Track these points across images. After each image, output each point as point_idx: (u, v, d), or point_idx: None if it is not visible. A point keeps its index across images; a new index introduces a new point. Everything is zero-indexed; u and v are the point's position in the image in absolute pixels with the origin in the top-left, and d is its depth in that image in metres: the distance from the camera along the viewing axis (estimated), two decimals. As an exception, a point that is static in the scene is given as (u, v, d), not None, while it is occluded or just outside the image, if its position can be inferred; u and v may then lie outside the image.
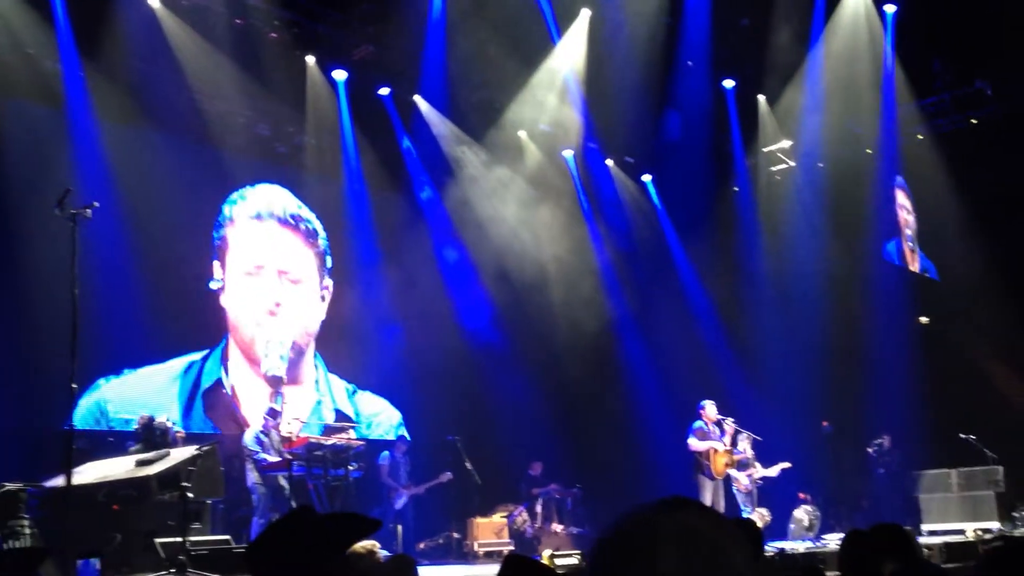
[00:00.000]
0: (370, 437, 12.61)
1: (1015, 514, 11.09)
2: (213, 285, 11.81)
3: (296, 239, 12.78)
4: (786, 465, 11.51)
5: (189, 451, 7.25)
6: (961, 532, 10.61)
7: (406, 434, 12.81)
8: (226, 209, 12.18)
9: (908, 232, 15.17)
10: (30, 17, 10.08)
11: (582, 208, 14.99)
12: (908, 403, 13.19)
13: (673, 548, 1.18)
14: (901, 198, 15.14)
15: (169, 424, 9.63)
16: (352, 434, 11.23)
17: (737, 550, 1.21)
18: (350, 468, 9.97)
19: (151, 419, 9.43)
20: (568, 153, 14.70)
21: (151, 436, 9.06)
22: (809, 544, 11.05)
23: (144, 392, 10.82)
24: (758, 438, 11.40)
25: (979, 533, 10.49)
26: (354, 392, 12.99)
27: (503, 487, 12.65)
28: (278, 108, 12.17)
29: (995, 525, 11.09)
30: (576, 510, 12.90)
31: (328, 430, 11.46)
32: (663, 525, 1.21)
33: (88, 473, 7.55)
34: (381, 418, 13.18)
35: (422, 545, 11.61)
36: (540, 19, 12.56)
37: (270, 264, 12.37)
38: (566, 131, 14.11)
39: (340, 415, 12.59)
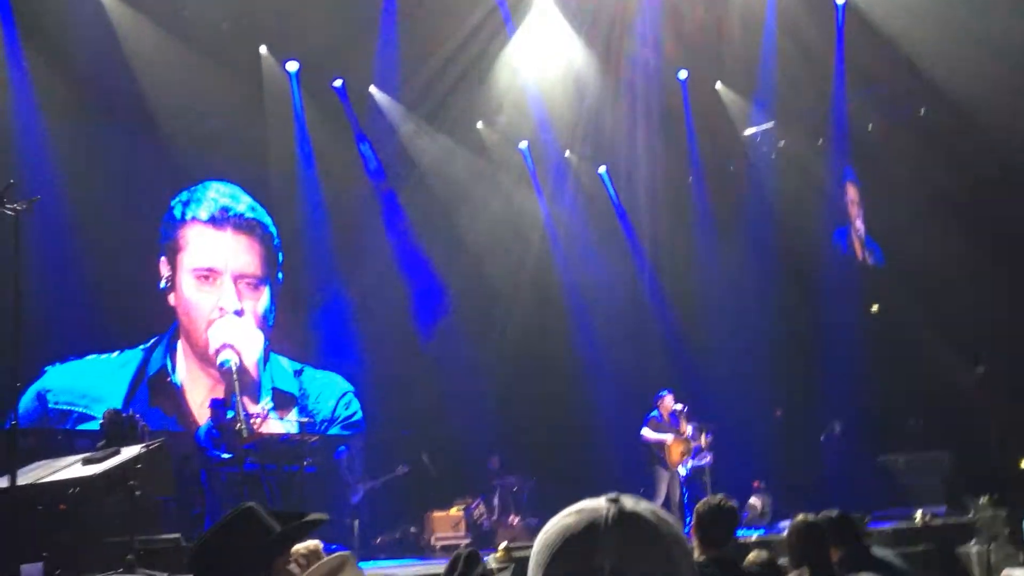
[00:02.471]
0: (327, 432, 12.54)
1: (963, 499, 11.29)
2: (162, 284, 11.63)
3: (252, 243, 12.63)
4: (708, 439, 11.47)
5: (137, 448, 7.14)
6: (909, 517, 10.78)
7: (359, 411, 12.74)
8: (177, 208, 11.98)
9: (857, 222, 15.38)
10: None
11: (538, 199, 15.02)
12: (859, 390, 13.40)
13: (614, 534, 1.23)
14: (850, 190, 15.34)
15: (137, 417, 9.48)
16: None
17: (676, 544, 1.26)
18: (304, 463, 9.90)
19: (116, 412, 9.26)
20: (523, 144, 14.74)
21: (118, 431, 8.87)
22: (763, 531, 11.18)
23: (88, 380, 10.66)
24: (706, 434, 11.41)
25: (927, 517, 10.68)
26: (300, 372, 12.82)
27: (460, 480, 12.64)
28: (230, 100, 12.00)
29: (942, 509, 11.28)
30: (533, 502, 12.91)
31: (289, 437, 11.33)
32: (611, 515, 1.25)
33: (34, 473, 7.40)
34: (327, 395, 13.00)
35: (379, 540, 11.57)
36: (496, 10, 12.52)
37: (226, 270, 12.21)
38: (522, 123, 14.15)
39: (278, 394, 12.42)
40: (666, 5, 12.65)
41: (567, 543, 1.25)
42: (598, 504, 1.28)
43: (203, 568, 2.55)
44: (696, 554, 4.51)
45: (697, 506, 4.72)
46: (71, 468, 7.38)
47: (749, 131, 14.80)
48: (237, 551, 2.51)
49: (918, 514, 10.76)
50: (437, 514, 11.66)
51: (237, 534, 2.57)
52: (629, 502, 1.27)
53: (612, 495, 1.29)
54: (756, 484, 12.68)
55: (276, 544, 2.62)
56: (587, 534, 1.24)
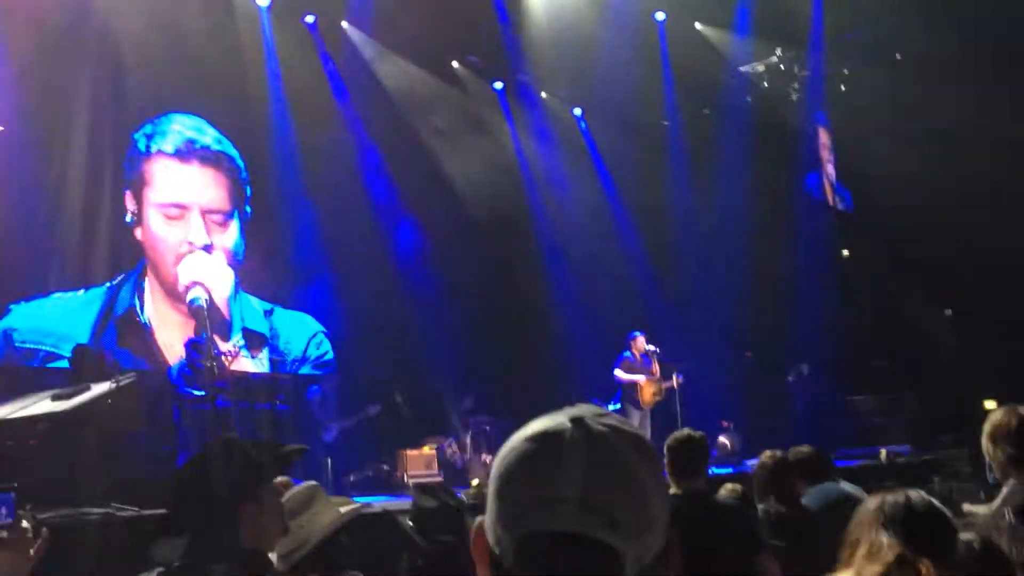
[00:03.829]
0: (301, 371, 12.52)
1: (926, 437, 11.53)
2: (128, 219, 11.44)
3: (219, 176, 12.41)
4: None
5: (107, 384, 7.09)
6: (875, 455, 11.01)
7: (330, 351, 12.71)
8: (141, 142, 11.72)
9: (828, 168, 15.45)
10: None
11: (512, 139, 14.93)
12: (827, 332, 13.57)
13: (578, 457, 1.13)
14: (823, 136, 15.37)
15: (106, 352, 9.41)
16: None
17: (643, 463, 1.16)
18: (276, 402, 9.89)
19: (85, 348, 9.19)
20: (498, 85, 14.61)
21: (88, 366, 8.78)
22: (731, 470, 11.36)
23: (54, 318, 10.50)
24: (678, 375, 11.48)
25: (891, 456, 10.91)
26: (271, 312, 12.74)
27: (433, 419, 12.70)
28: (198, 33, 11.70)
29: (907, 448, 11.52)
30: (505, 440, 13.01)
31: (263, 375, 11.26)
32: (572, 436, 1.15)
33: (3, 408, 7.34)
34: (298, 335, 12.93)
35: (352, 477, 11.62)
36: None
37: (194, 204, 12.00)
38: (496, 63, 14.00)
39: (248, 333, 12.35)
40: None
41: (526, 471, 1.15)
42: (560, 425, 1.17)
43: (185, 499, 2.49)
44: (672, 488, 4.55)
45: (667, 440, 4.75)
46: (40, 404, 7.34)
47: (744, 67, 14.63)
48: (220, 480, 2.46)
49: (883, 452, 11.00)
50: (410, 452, 11.72)
51: (220, 463, 2.51)
52: (594, 422, 1.16)
53: (574, 412, 1.18)
54: (725, 424, 12.88)
55: (262, 470, 2.59)
56: (549, 461, 1.14)
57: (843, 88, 14.39)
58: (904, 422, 12.14)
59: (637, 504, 1.13)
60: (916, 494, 2.50)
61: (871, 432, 12.19)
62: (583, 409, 1.20)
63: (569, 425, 1.16)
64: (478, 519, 1.22)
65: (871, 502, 2.51)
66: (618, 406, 12.18)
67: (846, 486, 5.58)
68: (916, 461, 10.75)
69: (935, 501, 2.51)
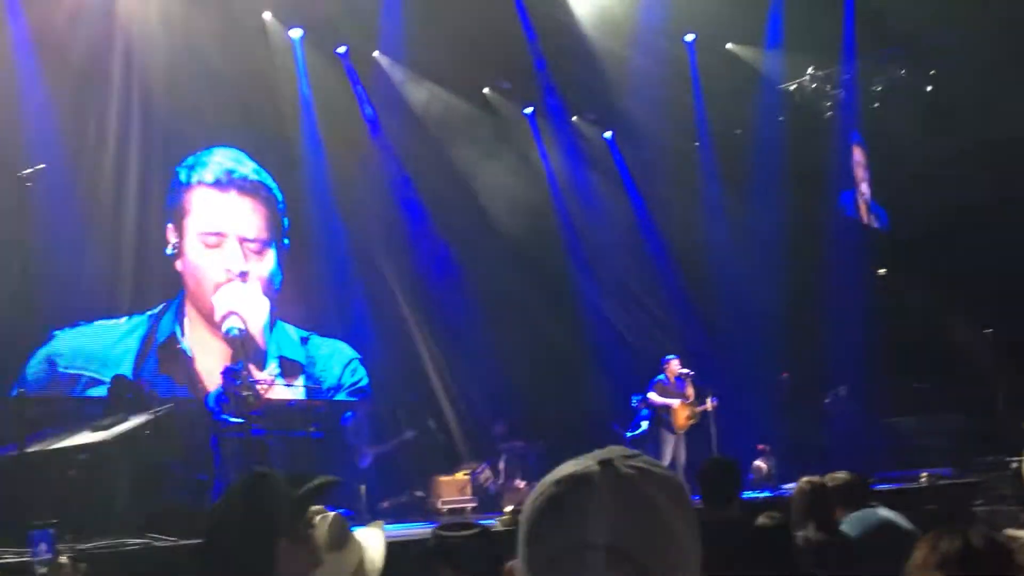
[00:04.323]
0: (336, 397, 12.60)
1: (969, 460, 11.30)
2: (169, 250, 11.63)
3: (257, 205, 12.60)
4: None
5: (145, 415, 7.19)
6: (916, 479, 10.82)
7: (364, 377, 12.79)
8: (182, 173, 11.96)
9: (863, 187, 15.32)
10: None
11: (543, 163, 14.98)
12: (865, 353, 13.40)
13: (606, 502, 1.13)
14: (857, 155, 15.25)
15: (144, 383, 9.55)
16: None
17: (672, 504, 1.16)
18: (311, 429, 9.94)
19: (124, 379, 9.32)
20: (528, 110, 14.70)
21: (126, 397, 8.91)
22: (768, 493, 11.23)
23: (97, 345, 10.68)
24: (712, 398, 11.36)
25: (932, 478, 10.71)
26: (307, 340, 12.85)
27: (466, 445, 12.70)
28: (235, 69, 11.90)
29: (948, 470, 11.31)
30: (540, 466, 12.96)
31: (296, 403, 11.35)
32: (600, 480, 1.14)
33: (44, 440, 7.46)
34: (333, 362, 13.03)
35: (386, 504, 11.64)
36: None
37: (231, 233, 12.19)
38: (526, 88, 14.07)
39: (284, 362, 12.46)
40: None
41: (555, 518, 1.14)
42: (588, 468, 1.16)
43: (220, 534, 2.50)
44: (705, 517, 4.51)
45: (700, 467, 4.72)
46: (80, 434, 7.45)
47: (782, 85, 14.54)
48: (256, 515, 2.47)
49: (924, 475, 10.80)
50: (444, 478, 11.72)
51: (255, 498, 2.53)
52: (623, 464, 1.15)
53: (603, 455, 1.17)
54: (761, 447, 12.73)
55: (297, 504, 2.60)
56: (577, 507, 1.13)
57: (876, 105, 14.27)
58: (945, 444, 11.89)
59: (668, 547, 1.13)
60: (975, 533, 2.37)
61: (911, 455, 11.96)
62: (612, 451, 1.19)
63: (597, 469, 1.15)
64: (509, 564, 1.22)
65: (926, 543, 2.40)
66: (644, 427, 12.11)
67: (885, 512, 5.48)
68: (958, 484, 10.54)
69: (997, 537, 2.39)
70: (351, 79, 13.13)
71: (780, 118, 14.71)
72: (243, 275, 12.14)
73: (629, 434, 12.52)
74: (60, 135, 10.26)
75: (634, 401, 12.77)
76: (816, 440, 13.21)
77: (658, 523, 1.13)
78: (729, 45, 14.22)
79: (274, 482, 2.65)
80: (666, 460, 10.80)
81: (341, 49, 12.85)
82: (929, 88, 13.17)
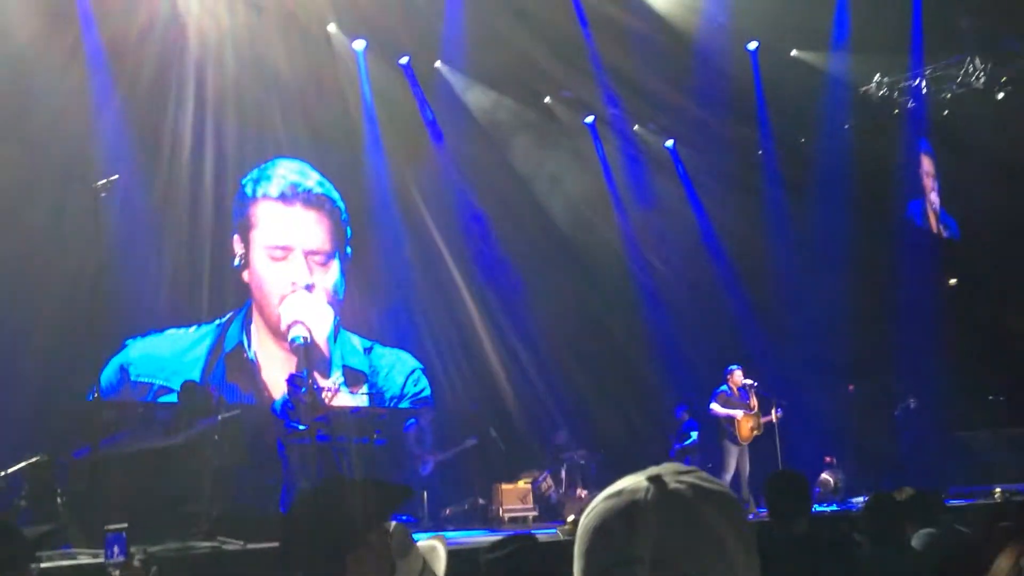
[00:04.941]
0: (399, 406, 12.71)
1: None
2: (236, 262, 11.87)
3: (321, 218, 12.81)
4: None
5: (214, 420, 7.33)
6: (989, 495, 10.53)
7: (427, 387, 12.89)
8: (248, 186, 12.20)
9: (932, 196, 14.99)
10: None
11: (605, 173, 14.94)
12: (935, 365, 13.09)
13: (653, 517, 1.16)
14: (926, 164, 14.93)
15: (212, 388, 9.77)
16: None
17: (722, 519, 1.18)
18: (374, 436, 10.05)
19: (194, 384, 9.53)
20: (589, 119, 14.69)
21: (195, 402, 9.11)
22: (835, 507, 11.04)
23: (167, 354, 10.96)
24: (777, 409, 11.17)
25: (1007, 494, 10.41)
26: (370, 350, 13.00)
27: (528, 453, 12.71)
28: (299, 80, 12.11)
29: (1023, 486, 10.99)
30: (601, 475, 12.91)
31: (360, 410, 11.47)
32: (650, 498, 1.18)
33: (117, 443, 7.66)
34: (396, 372, 13.15)
35: (448, 511, 11.70)
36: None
37: (297, 246, 12.41)
38: (588, 97, 14.06)
39: (348, 371, 12.61)
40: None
41: (604, 529, 1.18)
42: (638, 484, 1.19)
43: (296, 541, 2.54)
44: (774, 531, 4.44)
45: (766, 481, 4.66)
46: (151, 439, 7.64)
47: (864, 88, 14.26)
48: (331, 523, 2.49)
49: (997, 491, 10.51)
50: (505, 487, 11.74)
51: (331, 505, 2.55)
52: (672, 479, 1.18)
53: (654, 471, 1.20)
54: (828, 459, 12.51)
55: (372, 513, 2.62)
56: (625, 519, 1.16)
57: (946, 113, 13.96)
58: (1021, 459, 11.56)
59: (714, 561, 1.15)
60: None
61: (985, 469, 11.66)
62: (665, 468, 1.23)
63: (646, 484, 1.19)
64: None
65: (1006, 557, 2.35)
66: (693, 438, 12.01)
67: (956, 528, 5.37)
68: (1034, 500, 10.23)
69: None
70: (414, 89, 13.25)
71: (846, 126, 14.46)
72: (309, 287, 12.35)
73: (678, 445, 12.44)
74: (132, 147, 10.55)
75: (679, 413, 12.71)
76: (885, 453, 12.95)
77: (706, 538, 1.16)
78: (794, 52, 14.02)
79: (350, 489, 2.67)
80: (730, 472, 10.67)
81: (404, 60, 12.98)
82: (1001, 95, 12.82)
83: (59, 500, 7.01)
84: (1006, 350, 13.04)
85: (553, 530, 8.53)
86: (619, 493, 1.20)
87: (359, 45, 12.47)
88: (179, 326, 11.21)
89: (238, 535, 6.64)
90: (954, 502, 9.98)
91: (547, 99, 14.31)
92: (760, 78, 14.28)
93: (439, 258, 13.77)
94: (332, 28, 12.24)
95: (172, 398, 10.37)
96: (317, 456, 9.58)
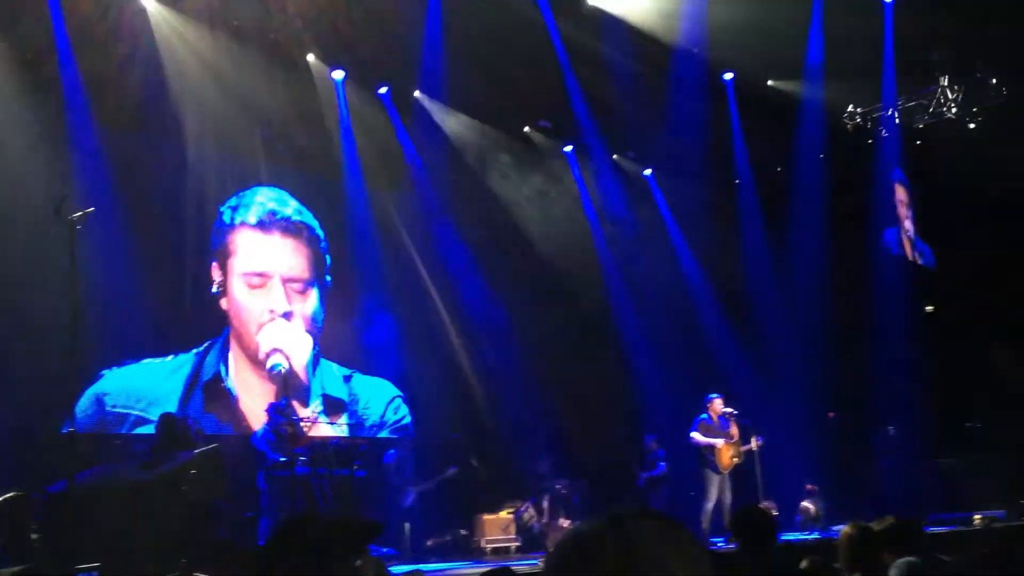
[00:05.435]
0: (379, 435, 12.64)
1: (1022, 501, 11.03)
2: (214, 289, 11.81)
3: (300, 245, 12.77)
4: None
5: (192, 453, 7.26)
6: (968, 521, 10.59)
7: (407, 415, 12.84)
8: (226, 214, 12.15)
9: (906, 224, 15.16)
10: (27, 26, 10.04)
11: (583, 202, 15.03)
12: (913, 392, 13.19)
13: (612, 560, 1.18)
14: (900, 192, 15.11)
15: (191, 421, 9.67)
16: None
17: (680, 562, 1.20)
18: (354, 467, 9.98)
19: (171, 417, 9.43)
20: (568, 149, 14.79)
21: (173, 435, 9.00)
22: (817, 535, 11.05)
23: (144, 384, 10.84)
24: (757, 437, 11.17)
25: (986, 521, 10.47)
26: (349, 378, 12.93)
27: (510, 483, 12.65)
28: (279, 110, 12.13)
29: (1003, 512, 11.05)
30: (583, 504, 12.88)
31: (339, 441, 11.39)
32: (608, 540, 1.20)
33: (91, 477, 7.56)
34: (376, 400, 13.07)
35: (430, 542, 11.62)
36: (539, 14, 12.48)
37: (275, 273, 12.35)
38: (566, 127, 14.16)
39: (328, 400, 12.54)
40: (712, 6, 12.50)
41: (564, 569, 1.22)
42: (598, 527, 1.23)
43: (271, 573, 2.54)
44: (742, 563, 4.46)
45: (733, 517, 4.71)
46: (127, 472, 7.54)
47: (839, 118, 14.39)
48: (302, 559, 2.50)
49: (977, 518, 10.56)
50: (487, 517, 11.69)
51: (302, 542, 2.56)
52: (632, 522, 1.22)
53: (615, 512, 1.24)
54: (809, 487, 12.53)
55: (343, 549, 2.62)
56: (582, 560, 1.20)
57: (919, 143, 14.16)
58: (999, 485, 11.61)
59: None
60: None
61: (964, 496, 11.70)
62: (626, 510, 1.26)
63: (606, 526, 1.22)
64: None
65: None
66: (659, 468, 12.06)
67: (937, 557, 5.37)
68: (1013, 527, 10.29)
69: None
70: (393, 118, 13.30)
71: (821, 155, 14.63)
72: (287, 315, 12.29)
73: (645, 475, 12.45)
74: (110, 176, 10.50)
75: (648, 441, 12.75)
76: (866, 480, 13.00)
77: (662, 571, 1.19)
78: (770, 82, 14.20)
79: (321, 525, 2.68)
80: (712, 500, 10.66)
81: (383, 90, 13.03)
82: (972, 125, 13.01)
83: (33, 537, 6.90)
84: (983, 376, 13.14)
85: (535, 561, 8.49)
86: (577, 536, 1.24)
87: (338, 75, 12.52)
88: (156, 355, 11.11)
89: (216, 570, 6.56)
90: (934, 529, 10.02)
91: (526, 128, 14.40)
92: (736, 108, 14.45)
93: (419, 285, 13.78)
94: (311, 58, 12.28)
95: (149, 429, 10.26)
96: (297, 488, 9.49)
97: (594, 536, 1.21)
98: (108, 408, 10.53)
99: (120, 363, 10.73)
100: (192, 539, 6.71)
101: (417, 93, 13.31)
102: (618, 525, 1.21)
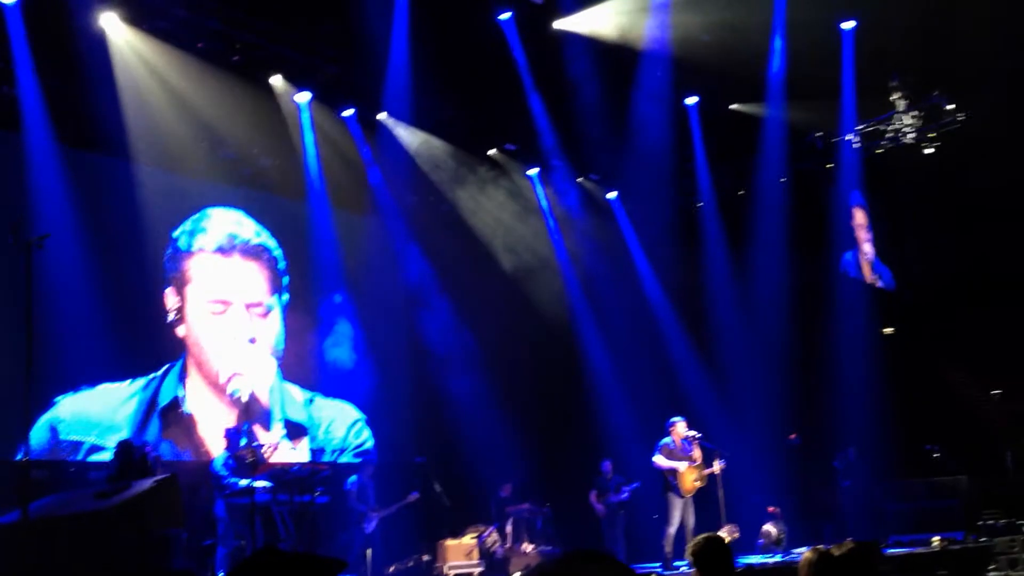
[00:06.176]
0: (338, 461, 12.52)
1: (979, 523, 11.16)
2: (170, 317, 11.60)
3: (260, 268, 12.65)
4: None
5: (148, 482, 7.14)
6: (927, 543, 10.69)
7: (370, 438, 12.75)
8: (182, 239, 11.94)
9: (865, 247, 15.37)
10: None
11: (547, 224, 15.08)
12: (873, 414, 13.33)
13: None
14: (859, 216, 15.32)
15: (148, 448, 9.52)
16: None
17: None
18: (316, 493, 9.87)
19: (128, 444, 9.28)
20: (533, 171, 14.84)
21: (129, 463, 8.87)
22: (779, 558, 11.09)
23: (99, 410, 10.64)
24: (720, 460, 11.19)
25: (944, 543, 10.58)
26: (311, 400, 12.81)
27: (473, 508, 12.59)
28: (241, 131, 12.06)
29: (960, 534, 11.17)
30: (547, 529, 12.84)
31: (300, 467, 11.27)
32: None
33: (46, 506, 7.41)
34: (338, 424, 12.98)
35: (392, 568, 11.51)
36: (503, 38, 12.55)
37: (238, 299, 12.22)
38: (531, 149, 14.22)
39: (290, 424, 12.41)
40: (676, 32, 12.64)
41: None
42: (554, 568, 1.26)
43: None
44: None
45: (689, 549, 4.72)
46: (83, 501, 7.40)
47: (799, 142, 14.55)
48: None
49: (936, 539, 10.67)
50: (450, 542, 11.61)
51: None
52: (583, 567, 1.24)
53: (568, 558, 1.26)
54: (771, 510, 12.58)
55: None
56: None
57: (877, 167, 14.38)
58: (957, 507, 11.75)
59: None
60: None
61: (923, 518, 11.82)
62: (577, 554, 1.28)
63: (561, 565, 1.26)
64: None
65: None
66: (624, 494, 12.15)
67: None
68: (971, 548, 10.41)
69: None
70: (357, 141, 13.26)
71: (782, 179, 14.80)
72: (252, 340, 12.17)
73: (614, 499, 12.50)
74: (65, 201, 10.34)
75: (605, 467, 12.80)
76: (827, 503, 13.08)
77: None
78: (733, 106, 14.38)
79: (283, 560, 2.64)
80: (674, 525, 10.66)
81: (348, 112, 12.99)
82: (930, 151, 13.24)
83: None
84: (942, 398, 13.32)
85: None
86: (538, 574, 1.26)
87: (303, 97, 12.46)
88: (112, 381, 10.91)
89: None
90: (894, 551, 10.11)
91: (491, 151, 14.43)
92: (700, 132, 14.61)
93: (382, 308, 13.72)
94: (276, 80, 12.22)
95: (105, 456, 10.08)
96: (257, 516, 9.36)
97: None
98: (63, 436, 10.32)
99: (75, 389, 10.53)
100: (149, 570, 6.58)
101: (383, 115, 13.29)
102: (573, 567, 1.23)
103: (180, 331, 11.70)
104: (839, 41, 13.12)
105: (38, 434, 9.94)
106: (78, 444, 10.39)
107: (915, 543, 10.96)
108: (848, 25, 13.01)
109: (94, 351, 10.43)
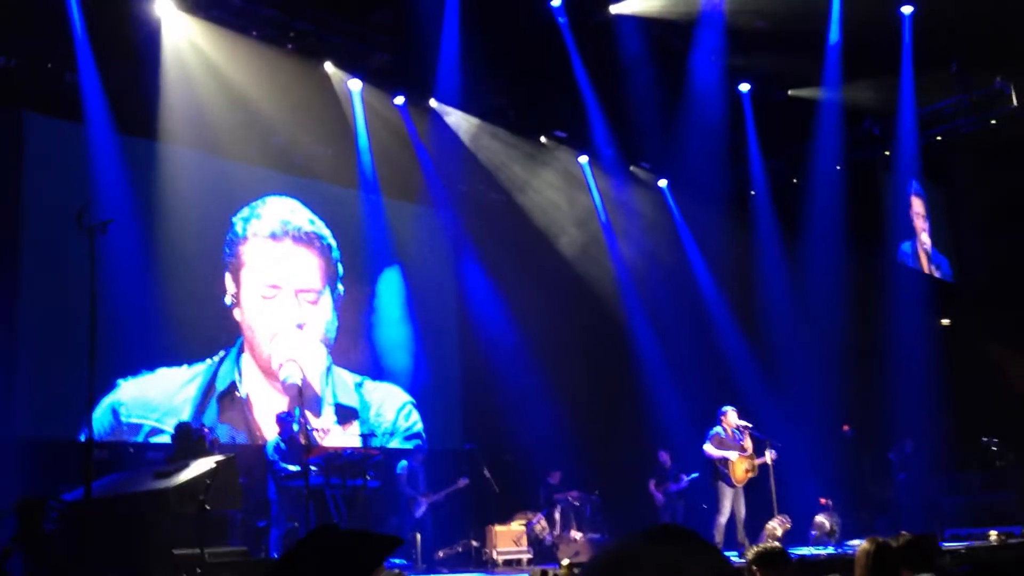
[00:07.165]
0: (388, 445, 12.64)
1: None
2: (227, 300, 11.83)
3: (312, 255, 12.79)
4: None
5: (207, 463, 7.28)
6: (984, 537, 10.51)
7: (419, 420, 12.85)
8: (238, 225, 12.16)
9: (923, 236, 15.09)
10: (48, 29, 10.14)
11: (598, 213, 15.02)
12: (929, 406, 13.11)
13: None
14: (916, 205, 15.04)
15: (206, 430, 9.71)
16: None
17: None
18: (367, 477, 9.98)
19: (187, 426, 9.47)
20: (584, 159, 14.78)
21: (188, 444, 9.05)
22: (831, 550, 10.97)
23: (159, 393, 10.86)
24: (771, 450, 11.09)
25: (1002, 537, 10.39)
26: (361, 384, 12.94)
27: (522, 495, 12.63)
28: (294, 119, 12.18)
29: (1019, 528, 10.96)
30: (595, 517, 12.86)
31: (352, 451, 11.40)
32: (644, 560, 1.19)
33: (107, 485, 7.59)
34: (387, 406, 13.09)
35: (441, 553, 11.60)
36: (555, 24, 12.51)
37: (287, 285, 12.38)
38: (582, 136, 14.17)
39: (340, 408, 12.55)
40: (729, 16, 12.50)
41: None
42: (635, 545, 1.22)
43: None
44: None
45: (749, 558, 4.74)
46: (143, 481, 7.57)
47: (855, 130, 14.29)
48: (322, 572, 2.49)
49: (993, 533, 10.48)
50: (499, 528, 11.65)
51: (323, 555, 2.54)
52: (664, 540, 1.22)
53: (649, 532, 1.23)
54: (823, 501, 12.44)
55: (361, 566, 2.61)
56: None
57: (936, 155, 14.10)
58: (1016, 500, 11.53)
59: None
60: None
61: (980, 511, 11.62)
62: (658, 528, 1.25)
63: (643, 542, 1.22)
64: None
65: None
66: (681, 483, 12.09)
67: (953, 572, 5.34)
68: (1030, 543, 10.20)
69: None
70: (408, 128, 13.32)
71: (838, 167, 14.58)
72: (300, 325, 12.32)
73: (674, 487, 12.45)
74: (127, 188, 10.55)
75: (662, 456, 12.76)
76: (881, 495, 12.91)
77: None
78: (788, 92, 14.18)
79: (340, 538, 2.66)
80: (725, 514, 10.60)
81: (399, 100, 13.05)
82: (988, 138, 12.96)
83: (50, 543, 6.93)
84: (999, 390, 13.05)
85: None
86: (614, 552, 1.23)
87: (355, 84, 12.54)
88: (171, 365, 11.13)
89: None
90: (950, 545, 9.94)
91: (542, 138, 14.40)
92: (752, 119, 14.44)
93: (433, 294, 13.80)
94: (329, 67, 12.31)
95: (164, 438, 10.31)
96: (310, 499, 9.49)
97: (631, 554, 1.19)
98: (123, 418, 10.56)
99: (136, 372, 10.76)
100: (205, 547, 6.72)
101: (433, 102, 13.33)
102: (657, 544, 1.19)
103: (237, 315, 11.91)
104: (897, 26, 12.88)
105: (100, 416, 10.19)
106: (138, 426, 10.62)
107: (971, 537, 10.78)
108: (907, 10, 12.77)
109: (155, 335, 10.65)
